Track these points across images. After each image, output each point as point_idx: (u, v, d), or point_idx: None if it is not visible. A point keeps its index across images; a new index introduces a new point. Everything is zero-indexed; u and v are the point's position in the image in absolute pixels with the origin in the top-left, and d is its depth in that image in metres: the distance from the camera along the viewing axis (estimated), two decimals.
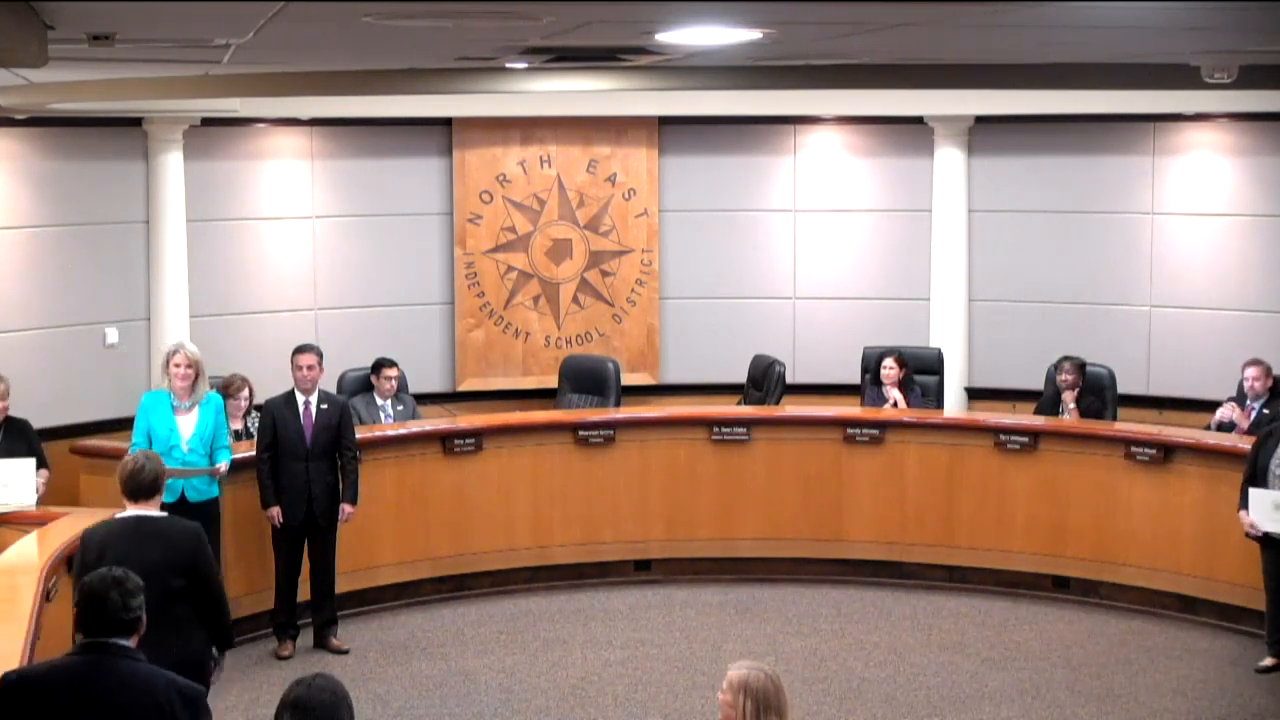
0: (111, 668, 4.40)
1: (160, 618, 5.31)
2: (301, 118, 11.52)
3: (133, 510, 6.13)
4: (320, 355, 9.12)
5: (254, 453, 9.15)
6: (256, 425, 9.68)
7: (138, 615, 4.50)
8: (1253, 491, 8.53)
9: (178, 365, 8.52)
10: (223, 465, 8.58)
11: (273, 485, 8.87)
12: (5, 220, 10.58)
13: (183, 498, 8.47)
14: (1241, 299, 11.60)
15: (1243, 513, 8.57)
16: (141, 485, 6.12)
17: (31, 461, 8.64)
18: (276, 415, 8.93)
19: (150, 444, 8.48)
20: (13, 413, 9.08)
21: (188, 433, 8.50)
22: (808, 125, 12.41)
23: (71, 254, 10.89)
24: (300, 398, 8.98)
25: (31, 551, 7.20)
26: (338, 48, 6.59)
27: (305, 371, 9.00)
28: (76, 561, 6.20)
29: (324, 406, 9.01)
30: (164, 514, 6.25)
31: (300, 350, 9.10)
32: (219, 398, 8.77)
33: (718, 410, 10.90)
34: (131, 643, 4.51)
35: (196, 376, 8.54)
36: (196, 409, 8.55)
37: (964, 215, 12.19)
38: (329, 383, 10.15)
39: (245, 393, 9.83)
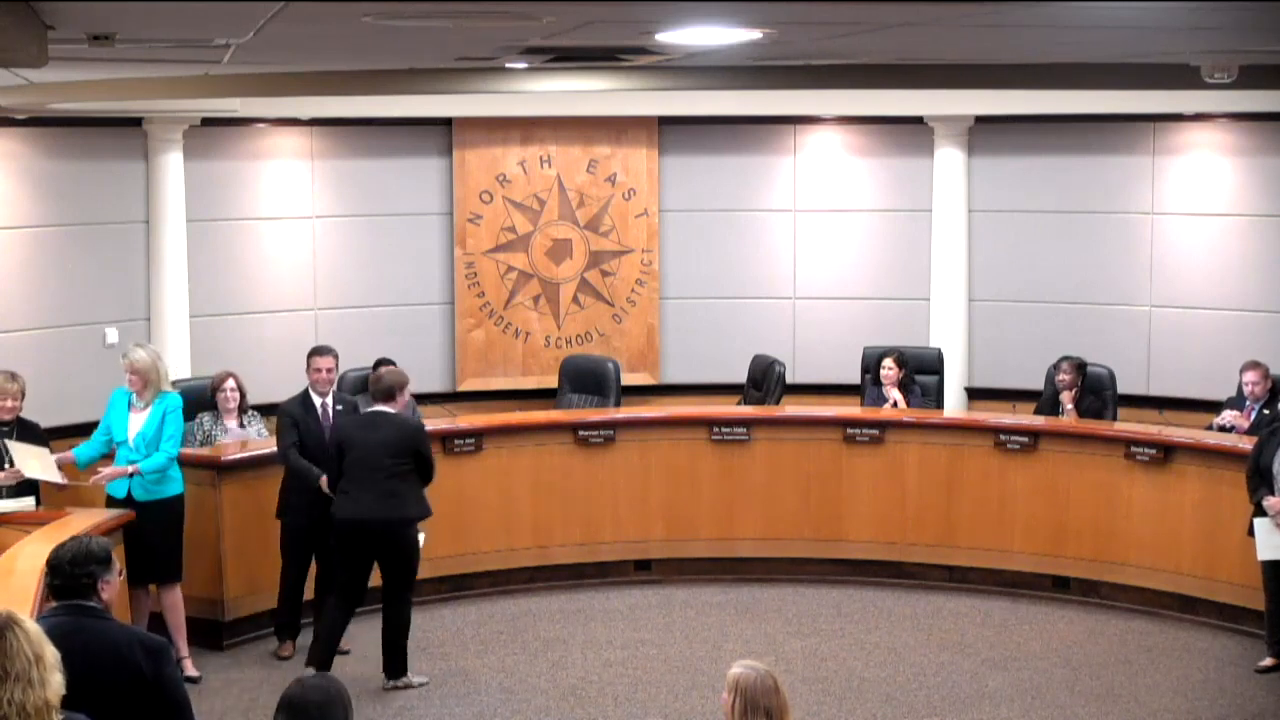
0: (85, 626, 4.83)
1: (388, 483, 8.13)
2: (301, 118, 11.52)
3: (375, 407, 8.37)
4: (337, 357, 9.10)
5: (254, 454, 9.18)
6: (262, 426, 9.69)
7: (90, 581, 4.92)
8: (1257, 522, 8.54)
9: (126, 371, 8.54)
10: (132, 466, 8.39)
11: (308, 463, 8.67)
12: (5, 220, 10.58)
13: (130, 496, 8.46)
14: (1241, 299, 11.60)
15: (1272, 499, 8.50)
16: (379, 391, 8.37)
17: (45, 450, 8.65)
18: (298, 418, 8.81)
19: (111, 439, 8.53)
20: (22, 415, 9.09)
21: (134, 430, 8.48)
22: (808, 125, 12.41)
23: (71, 254, 10.89)
24: (316, 400, 8.93)
25: (32, 551, 7.20)
26: (338, 48, 6.60)
27: (325, 374, 8.96)
28: (331, 441, 8.41)
29: (339, 408, 8.99)
30: (396, 412, 8.34)
31: (318, 352, 9.06)
32: (176, 399, 8.61)
33: (718, 410, 10.90)
34: (95, 603, 4.90)
35: (146, 383, 8.50)
36: (149, 409, 8.53)
37: (964, 215, 12.20)
38: None
39: (230, 384, 9.73)
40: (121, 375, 8.62)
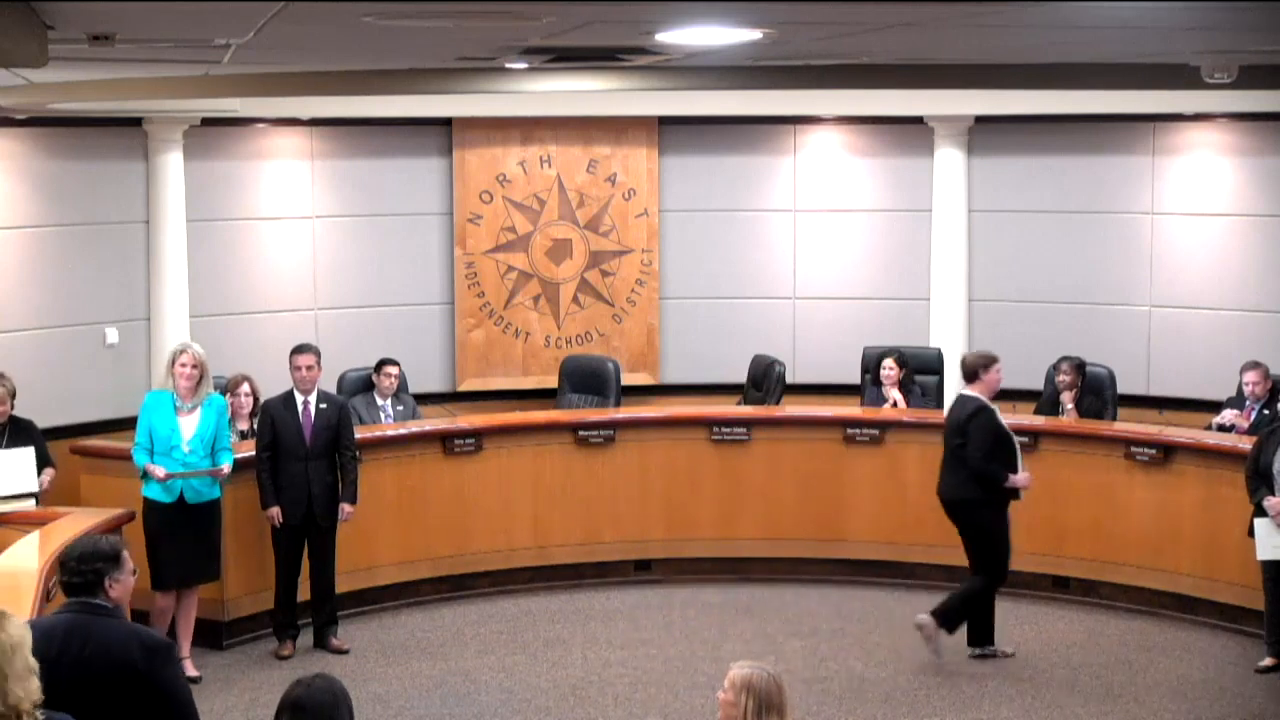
0: (85, 624, 4.84)
1: (948, 462, 8.84)
2: (301, 118, 11.52)
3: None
4: (318, 355, 9.13)
5: (254, 454, 9.19)
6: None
7: (95, 578, 4.89)
8: (1258, 522, 8.53)
9: (184, 365, 8.52)
10: (225, 466, 8.59)
11: (272, 485, 8.87)
12: (5, 220, 10.58)
13: (181, 498, 8.49)
14: (1241, 299, 11.60)
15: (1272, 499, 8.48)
16: (962, 374, 8.94)
17: (30, 450, 8.66)
18: (276, 415, 8.95)
19: (152, 444, 8.50)
20: (15, 413, 9.10)
21: (189, 433, 8.51)
22: (808, 125, 12.41)
23: (71, 254, 10.89)
24: (299, 398, 8.99)
25: (32, 551, 7.20)
26: (338, 48, 6.60)
27: (304, 372, 9.00)
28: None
29: (323, 406, 9.01)
30: (973, 394, 8.75)
31: (298, 350, 9.11)
32: (222, 399, 8.78)
33: (718, 410, 10.90)
34: (102, 600, 4.89)
35: (201, 377, 8.56)
36: (199, 410, 8.55)
37: (964, 215, 12.19)
38: (329, 383, 10.15)
39: (245, 388, 9.84)
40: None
